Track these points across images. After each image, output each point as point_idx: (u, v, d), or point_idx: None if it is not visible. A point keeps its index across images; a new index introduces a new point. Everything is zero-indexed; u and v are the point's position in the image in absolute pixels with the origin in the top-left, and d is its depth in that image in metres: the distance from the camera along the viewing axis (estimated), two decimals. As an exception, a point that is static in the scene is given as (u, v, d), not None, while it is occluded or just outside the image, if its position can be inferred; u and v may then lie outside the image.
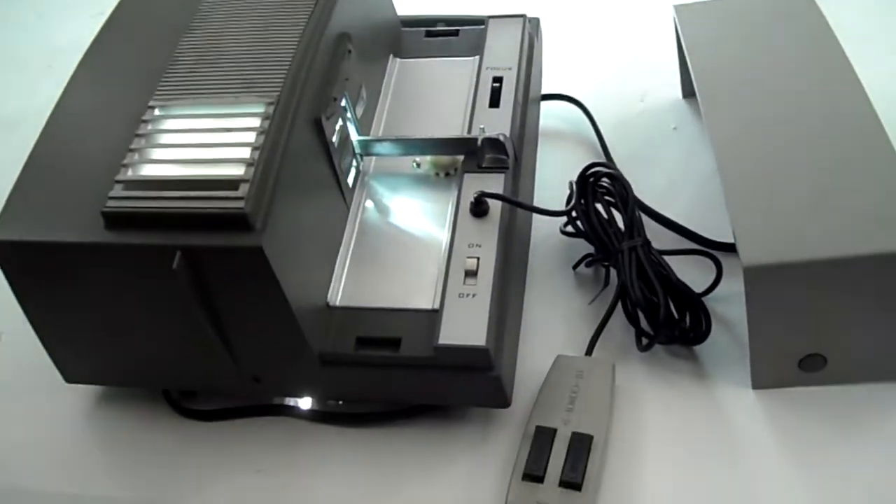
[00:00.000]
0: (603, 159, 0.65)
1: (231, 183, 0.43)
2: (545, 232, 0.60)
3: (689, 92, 0.69)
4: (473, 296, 0.47)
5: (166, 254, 0.43)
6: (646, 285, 0.51)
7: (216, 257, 0.43)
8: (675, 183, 0.63)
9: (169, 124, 0.47)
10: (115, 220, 0.44)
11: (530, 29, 0.62)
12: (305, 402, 0.53)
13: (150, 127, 0.47)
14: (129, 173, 0.45)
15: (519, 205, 0.51)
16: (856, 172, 0.48)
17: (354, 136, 0.54)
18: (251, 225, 0.42)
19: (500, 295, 0.48)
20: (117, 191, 0.44)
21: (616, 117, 0.68)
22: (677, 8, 0.63)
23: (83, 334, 0.50)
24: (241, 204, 0.42)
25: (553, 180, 0.62)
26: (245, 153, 0.44)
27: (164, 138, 0.46)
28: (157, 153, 0.46)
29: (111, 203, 0.44)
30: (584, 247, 0.57)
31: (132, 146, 0.46)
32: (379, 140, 0.55)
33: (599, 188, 0.55)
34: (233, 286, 0.44)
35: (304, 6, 0.51)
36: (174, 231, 0.43)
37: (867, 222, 0.45)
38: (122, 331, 0.49)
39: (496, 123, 0.55)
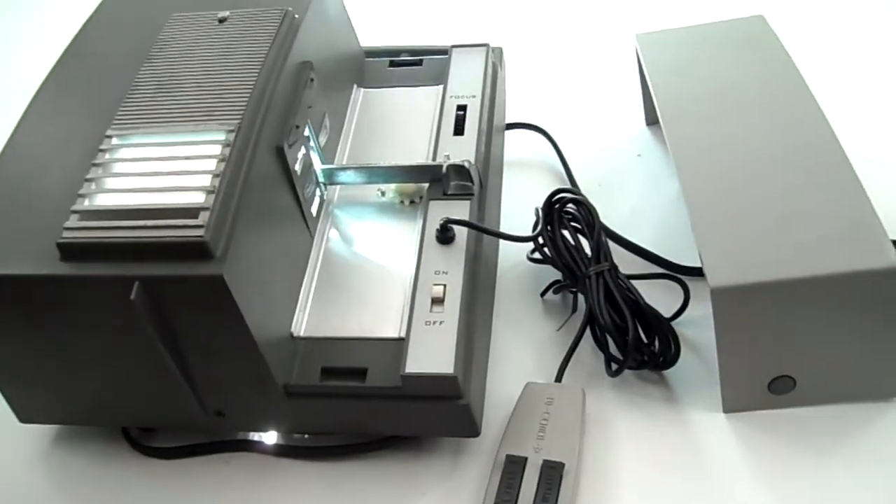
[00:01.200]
0: (568, 186, 0.65)
1: (190, 211, 0.42)
2: (512, 259, 0.60)
3: (652, 119, 0.70)
4: (440, 323, 0.46)
5: (124, 285, 0.41)
6: (614, 310, 0.51)
7: (175, 287, 0.42)
8: (640, 209, 0.63)
9: (126, 153, 0.46)
10: (71, 251, 0.42)
11: (493, 58, 0.62)
12: (270, 437, 0.51)
13: (107, 156, 0.46)
14: (86, 203, 0.44)
15: (485, 231, 0.51)
16: (818, 193, 0.48)
17: (318, 165, 0.53)
18: (211, 253, 0.41)
19: (467, 322, 0.47)
20: (73, 221, 0.43)
21: (581, 145, 0.69)
22: (639, 36, 0.63)
23: (38, 371, 0.48)
24: (200, 232, 0.41)
25: (519, 208, 0.62)
26: (205, 181, 0.43)
27: (122, 167, 0.45)
28: (114, 182, 0.45)
29: (66, 234, 0.43)
30: (551, 273, 0.57)
31: (89, 176, 0.45)
32: (343, 168, 0.54)
33: (565, 214, 0.55)
34: (193, 317, 0.43)
35: (266, 35, 0.50)
36: (132, 261, 0.42)
37: (831, 242, 0.45)
38: (80, 366, 0.47)
39: (461, 151, 0.55)
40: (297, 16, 0.52)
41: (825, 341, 0.47)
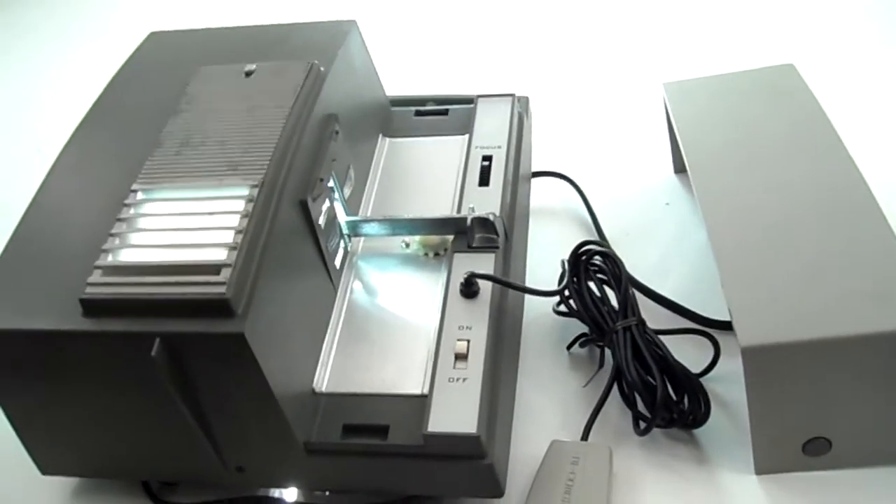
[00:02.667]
0: (595, 236, 0.64)
1: (213, 267, 0.42)
2: (537, 311, 0.59)
3: (680, 168, 0.69)
4: (464, 380, 0.46)
5: (145, 341, 0.41)
6: (642, 366, 0.50)
7: (196, 344, 0.41)
8: (668, 259, 0.62)
9: (151, 208, 0.46)
10: (93, 306, 0.42)
11: (519, 107, 0.62)
12: (291, 494, 0.51)
13: (132, 211, 0.46)
14: (109, 258, 0.44)
15: (510, 285, 0.50)
16: (850, 247, 0.47)
17: (342, 217, 0.53)
18: (233, 310, 0.41)
19: (491, 379, 0.46)
20: (96, 277, 0.43)
21: (608, 194, 0.68)
22: (666, 85, 0.63)
23: (60, 424, 0.48)
24: (222, 289, 0.41)
25: (545, 258, 0.61)
26: (228, 237, 0.43)
27: (146, 222, 0.45)
28: (137, 238, 0.45)
29: (89, 289, 0.42)
30: (577, 326, 0.56)
31: (113, 231, 0.45)
32: (367, 220, 0.54)
33: (592, 266, 0.55)
34: (214, 374, 0.43)
35: (291, 88, 0.50)
36: (153, 318, 0.42)
37: (865, 299, 0.44)
38: (101, 420, 0.47)
39: (486, 202, 0.54)
40: (322, 68, 0.53)
41: (861, 402, 0.45)
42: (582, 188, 0.67)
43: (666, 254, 0.63)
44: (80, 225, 0.47)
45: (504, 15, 0.93)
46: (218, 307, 0.41)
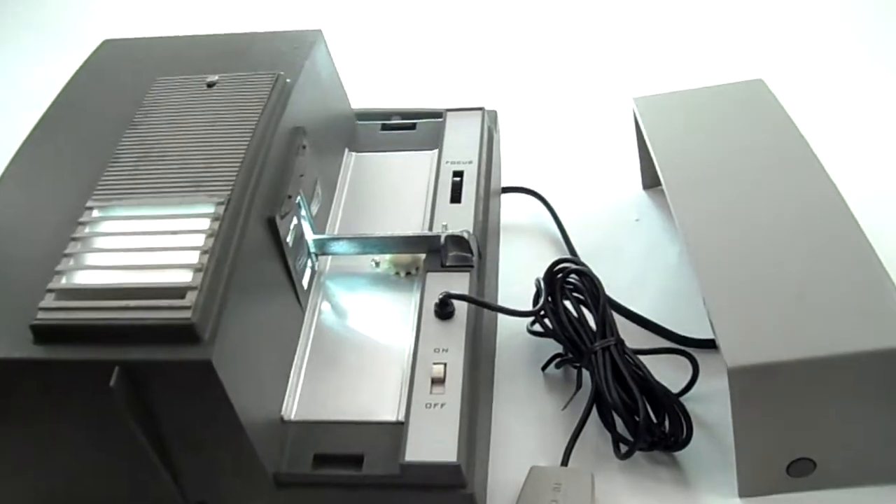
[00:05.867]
0: (566, 253, 0.63)
1: (177, 290, 0.39)
2: (510, 330, 0.57)
3: (650, 183, 0.68)
4: (442, 406, 0.44)
5: (103, 370, 0.38)
6: (622, 388, 0.48)
7: (159, 373, 0.39)
8: (641, 276, 0.61)
9: (108, 226, 0.43)
10: (46, 333, 0.39)
11: (489, 121, 0.61)
12: (257, 528, 0.48)
13: (87, 230, 0.43)
14: (63, 281, 0.41)
15: (487, 305, 0.48)
16: (832, 263, 0.46)
17: (309, 235, 0.51)
18: (198, 336, 0.38)
19: (469, 404, 0.44)
20: (48, 301, 0.40)
21: (577, 210, 0.67)
22: (637, 100, 0.62)
23: (11, 456, 0.44)
24: (187, 314, 0.38)
25: (516, 275, 0.59)
26: (193, 258, 0.40)
27: (103, 242, 0.42)
28: (94, 258, 0.42)
29: (41, 315, 0.39)
30: (551, 346, 0.54)
31: (67, 251, 0.42)
32: (335, 239, 0.52)
33: (567, 285, 0.53)
34: (178, 404, 0.40)
35: (257, 100, 0.48)
36: (112, 345, 0.39)
37: (850, 317, 0.43)
38: (54, 452, 0.44)
39: (458, 219, 0.53)
40: (288, 80, 0.50)
41: (847, 422, 0.44)
42: (551, 204, 0.66)
43: (638, 271, 0.61)
44: (30, 244, 0.44)
45: (470, 27, 0.92)
46: (183, 333, 0.38)
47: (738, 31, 0.85)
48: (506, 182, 0.67)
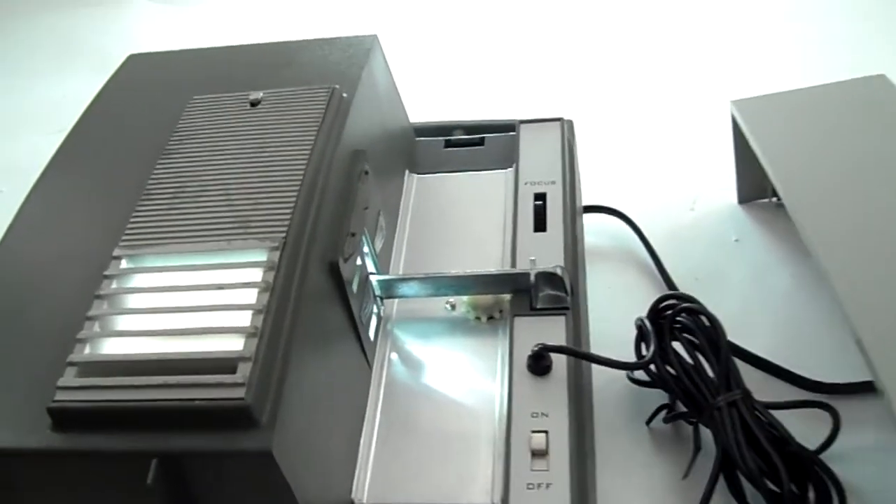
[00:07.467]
0: (659, 282, 0.55)
1: (227, 363, 0.31)
2: (606, 376, 0.49)
3: (746, 197, 0.60)
4: (548, 486, 0.36)
5: (137, 463, 0.31)
6: (757, 451, 0.40)
7: (207, 466, 0.31)
8: (747, 307, 0.53)
9: (140, 280, 0.36)
10: (66, 417, 0.32)
11: (568, 134, 0.53)
12: None
13: (114, 285, 0.35)
14: (86, 351, 0.33)
15: (593, 359, 0.40)
16: None
17: (374, 277, 0.43)
18: (255, 420, 0.31)
19: (579, 482, 0.36)
20: (69, 377, 0.32)
21: (665, 230, 0.59)
22: (737, 103, 0.54)
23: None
24: (240, 392, 0.31)
25: (602, 311, 0.51)
26: (244, 319, 0.33)
27: (134, 301, 0.35)
28: (124, 322, 0.34)
29: (60, 395, 0.32)
30: (653, 395, 0.46)
31: (91, 313, 0.34)
32: (404, 279, 0.44)
33: (675, 324, 0.45)
34: (230, 501, 0.32)
35: (311, 119, 0.41)
36: (148, 432, 0.31)
37: None
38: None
39: (546, 251, 0.45)
40: (345, 94, 0.43)
41: None
42: (637, 224, 0.58)
43: (744, 301, 0.53)
44: (46, 305, 0.36)
45: (532, 29, 0.84)
46: (236, 416, 0.31)
47: (835, 30, 0.76)
48: (584, 201, 0.59)
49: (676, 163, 0.65)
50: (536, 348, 0.40)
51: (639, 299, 0.54)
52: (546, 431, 0.38)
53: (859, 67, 0.55)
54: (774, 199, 0.59)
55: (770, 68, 0.73)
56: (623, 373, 0.48)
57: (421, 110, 0.58)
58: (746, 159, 0.56)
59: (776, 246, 0.57)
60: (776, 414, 0.42)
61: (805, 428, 0.43)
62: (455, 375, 0.42)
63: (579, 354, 0.40)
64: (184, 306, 0.34)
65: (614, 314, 0.50)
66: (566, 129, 0.53)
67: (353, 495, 0.37)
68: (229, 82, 0.45)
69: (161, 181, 0.39)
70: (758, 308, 0.53)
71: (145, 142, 0.42)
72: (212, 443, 0.31)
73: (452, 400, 0.41)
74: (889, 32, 0.74)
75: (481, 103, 0.74)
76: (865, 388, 0.45)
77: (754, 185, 0.59)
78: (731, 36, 0.78)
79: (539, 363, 0.40)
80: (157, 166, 0.40)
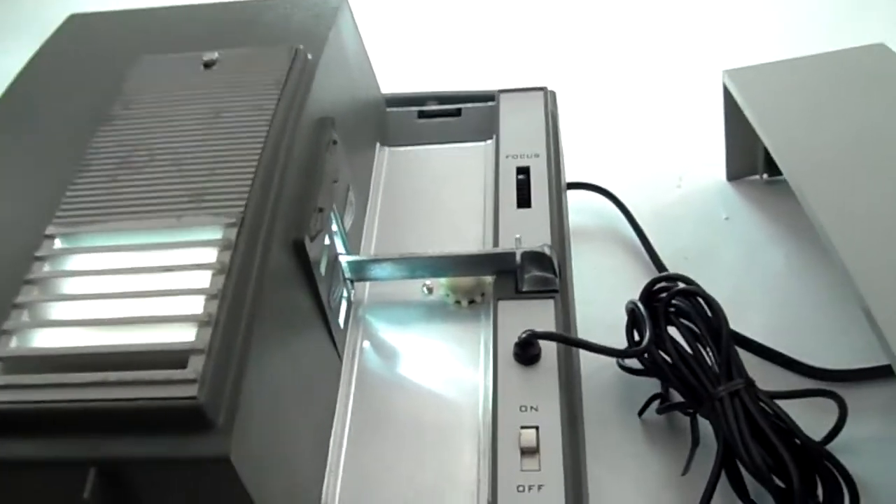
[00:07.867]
0: (647, 263, 0.52)
1: (176, 355, 0.27)
2: (594, 364, 0.45)
3: (736, 173, 0.57)
4: (540, 488, 0.32)
5: (73, 474, 0.27)
6: (763, 445, 0.37)
7: (155, 476, 0.27)
8: (740, 289, 0.50)
9: (77, 263, 0.31)
10: (-10, 421, 0.28)
11: (552, 105, 0.49)
12: None
13: (46, 268, 0.31)
14: (13, 344, 0.29)
15: (587, 346, 0.37)
16: None
17: (344, 258, 0.39)
18: (210, 422, 0.27)
19: (573, 481, 0.33)
20: (-7, 375, 0.28)
21: (651, 208, 0.56)
22: (729, 73, 0.51)
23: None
24: (192, 390, 0.27)
25: (588, 293, 0.48)
26: (197, 305, 0.29)
27: (69, 286, 0.31)
28: (56, 310, 0.30)
29: (-17, 395, 0.28)
30: (644, 383, 0.43)
31: (18, 300, 0.30)
32: (377, 260, 0.40)
33: (670, 308, 0.42)
34: (181, 513, 0.28)
35: (272, 82, 0.36)
36: (85, 437, 0.27)
37: None
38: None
39: (531, 229, 0.41)
40: (310, 56, 0.39)
41: None
42: (623, 202, 0.55)
43: (736, 282, 0.51)
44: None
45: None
46: (187, 417, 0.27)
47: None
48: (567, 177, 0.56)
49: (661, 137, 0.62)
50: (524, 335, 0.36)
51: (626, 281, 0.51)
52: (536, 427, 0.34)
53: (859, 37, 0.52)
54: (765, 176, 0.56)
55: (762, 40, 0.70)
56: (612, 360, 0.45)
57: (392, 80, 0.54)
58: (737, 134, 0.53)
59: (768, 224, 0.54)
60: (780, 404, 0.40)
61: (807, 418, 0.40)
62: (434, 365, 0.38)
63: (571, 341, 0.36)
64: (127, 292, 0.30)
65: (600, 297, 0.47)
66: (549, 99, 0.49)
67: (322, 500, 0.34)
68: (182, 43, 0.41)
69: (102, 150, 0.35)
70: (751, 289, 0.50)
71: (85, 107, 0.38)
72: (159, 448, 0.27)
73: (431, 392, 0.37)
74: (888, 1, 0.72)
75: (457, 73, 0.71)
76: (874, 375, 0.42)
77: (744, 162, 0.56)
78: (721, 6, 0.75)
79: (527, 351, 0.36)
80: (99, 134, 0.36)
